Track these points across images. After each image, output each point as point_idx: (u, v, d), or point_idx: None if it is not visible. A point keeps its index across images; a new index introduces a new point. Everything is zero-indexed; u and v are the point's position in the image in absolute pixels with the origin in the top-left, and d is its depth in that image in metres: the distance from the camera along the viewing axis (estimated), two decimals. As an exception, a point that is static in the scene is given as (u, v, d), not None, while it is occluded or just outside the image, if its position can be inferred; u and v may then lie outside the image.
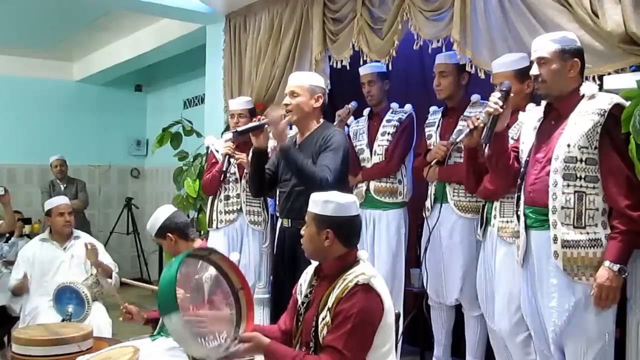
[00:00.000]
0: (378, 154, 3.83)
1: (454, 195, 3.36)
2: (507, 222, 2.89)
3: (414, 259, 4.04)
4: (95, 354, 2.78)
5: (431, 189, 3.49)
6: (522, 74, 2.90)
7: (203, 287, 2.29)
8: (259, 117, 3.41)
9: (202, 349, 2.12)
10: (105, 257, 4.22)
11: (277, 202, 3.46)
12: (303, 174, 3.06)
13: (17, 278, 4.14)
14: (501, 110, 2.61)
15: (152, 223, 3.12)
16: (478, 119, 2.81)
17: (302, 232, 2.34)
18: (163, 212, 3.13)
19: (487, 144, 2.69)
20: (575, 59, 2.47)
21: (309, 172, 3.03)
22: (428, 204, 3.49)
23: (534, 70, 2.50)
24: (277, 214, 3.51)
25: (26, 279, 4.13)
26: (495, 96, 2.63)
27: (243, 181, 4.08)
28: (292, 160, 3.09)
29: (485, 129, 2.64)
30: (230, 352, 2.15)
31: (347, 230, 2.25)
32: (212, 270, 2.33)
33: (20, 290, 4.16)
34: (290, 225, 3.22)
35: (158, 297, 2.15)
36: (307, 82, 3.21)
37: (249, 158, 3.66)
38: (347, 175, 3.30)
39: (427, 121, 3.66)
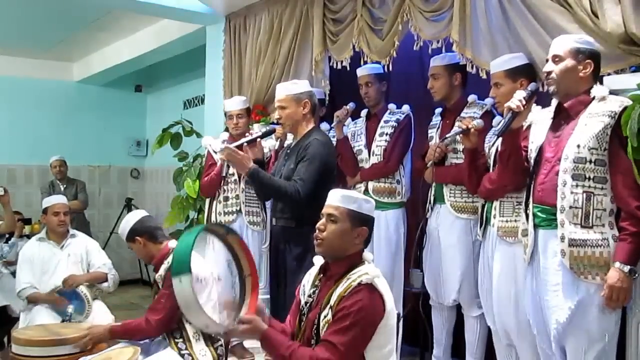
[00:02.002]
0: (376, 155, 3.83)
1: (450, 196, 3.36)
2: (507, 221, 2.89)
3: (413, 259, 4.03)
4: (95, 355, 2.79)
5: (431, 190, 3.50)
6: (513, 73, 2.92)
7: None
8: (250, 131, 3.57)
9: (204, 318, 2.11)
10: (99, 258, 4.21)
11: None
12: (273, 190, 3.26)
13: (28, 282, 4.00)
14: (522, 108, 2.63)
15: (122, 227, 3.16)
16: (472, 119, 2.81)
17: (320, 225, 2.26)
18: (133, 217, 3.18)
19: (500, 137, 2.73)
20: (589, 61, 2.49)
21: (275, 188, 3.23)
22: (428, 204, 3.49)
23: (547, 67, 2.53)
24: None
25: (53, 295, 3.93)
26: (521, 94, 2.65)
27: (242, 182, 4.08)
28: (260, 181, 3.27)
29: (502, 123, 2.66)
30: (228, 329, 2.16)
31: (372, 231, 2.31)
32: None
33: (37, 300, 3.96)
34: (275, 223, 3.37)
35: (173, 257, 2.18)
36: (291, 92, 3.34)
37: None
38: (329, 182, 3.20)
39: (430, 123, 3.66)
